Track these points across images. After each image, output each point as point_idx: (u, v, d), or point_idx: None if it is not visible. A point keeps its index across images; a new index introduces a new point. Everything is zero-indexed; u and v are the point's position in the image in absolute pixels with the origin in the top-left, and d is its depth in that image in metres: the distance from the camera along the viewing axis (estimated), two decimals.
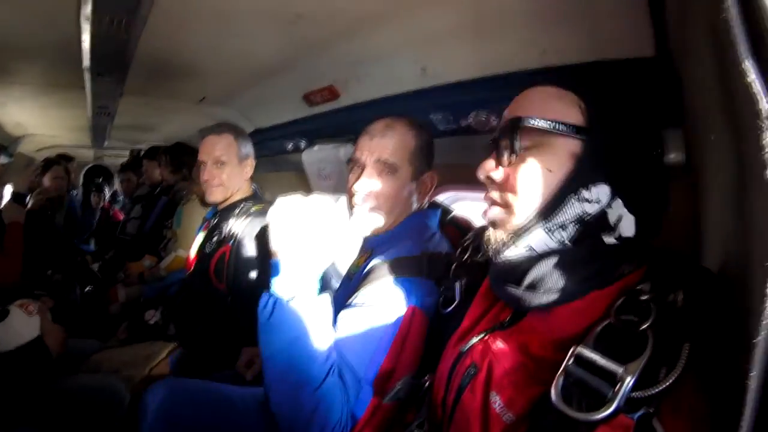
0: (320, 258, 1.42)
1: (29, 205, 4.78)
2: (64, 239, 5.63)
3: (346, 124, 2.79)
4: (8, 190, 6.08)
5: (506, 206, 1.11)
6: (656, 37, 1.33)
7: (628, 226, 1.04)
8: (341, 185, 1.87)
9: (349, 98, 2.75)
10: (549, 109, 1.09)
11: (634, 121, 1.11)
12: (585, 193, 1.03)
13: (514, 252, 1.09)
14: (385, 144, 1.78)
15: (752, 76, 0.66)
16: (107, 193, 8.40)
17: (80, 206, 7.60)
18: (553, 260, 1.03)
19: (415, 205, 1.88)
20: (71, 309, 3.63)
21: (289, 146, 3.66)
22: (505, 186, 1.12)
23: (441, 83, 2.13)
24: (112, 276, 4.34)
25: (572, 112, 1.08)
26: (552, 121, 1.06)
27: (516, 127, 1.09)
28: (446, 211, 2.04)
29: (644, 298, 0.93)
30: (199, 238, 2.99)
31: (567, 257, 1.03)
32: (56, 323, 2.09)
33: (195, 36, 2.41)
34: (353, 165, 1.86)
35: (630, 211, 1.04)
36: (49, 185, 5.36)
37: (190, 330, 2.69)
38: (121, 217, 7.02)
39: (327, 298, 1.45)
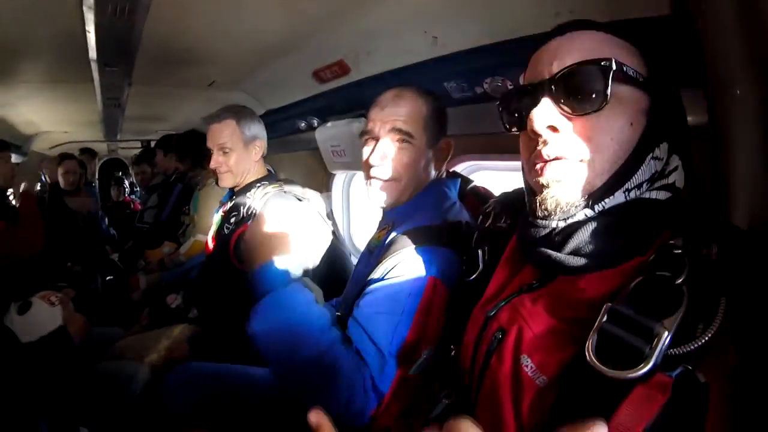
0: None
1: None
2: (83, 231, 5.67)
3: (357, 99, 2.78)
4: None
5: (581, 161, 1.01)
6: None
7: (680, 177, 1.02)
8: (355, 161, 1.87)
9: (359, 73, 2.73)
10: (624, 58, 1.00)
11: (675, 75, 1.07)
12: (657, 151, 0.99)
13: (585, 214, 1.01)
14: (397, 112, 1.77)
15: None
16: (127, 185, 8.49)
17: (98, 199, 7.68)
18: (599, 224, 0.99)
19: (433, 174, 1.87)
20: (93, 298, 3.66)
21: (302, 125, 3.66)
22: (579, 138, 1.00)
23: (453, 52, 2.09)
24: (132, 265, 4.39)
25: (640, 64, 1.02)
26: (636, 71, 0.99)
27: (607, 68, 0.96)
28: (466, 180, 2.02)
29: (677, 252, 0.90)
30: (216, 220, 3.00)
31: (613, 221, 0.99)
32: (78, 313, 2.11)
33: (199, 20, 2.40)
34: (367, 138, 1.84)
35: (683, 163, 1.03)
36: (61, 179, 5.43)
37: (211, 312, 2.70)
38: (140, 208, 7.12)
39: (299, 285, 1.72)
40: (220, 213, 2.99)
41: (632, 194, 0.99)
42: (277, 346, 1.58)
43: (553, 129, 1.02)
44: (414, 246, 1.60)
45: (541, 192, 1.05)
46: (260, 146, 2.83)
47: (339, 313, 2.08)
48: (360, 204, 3.91)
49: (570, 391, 0.93)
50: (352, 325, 1.61)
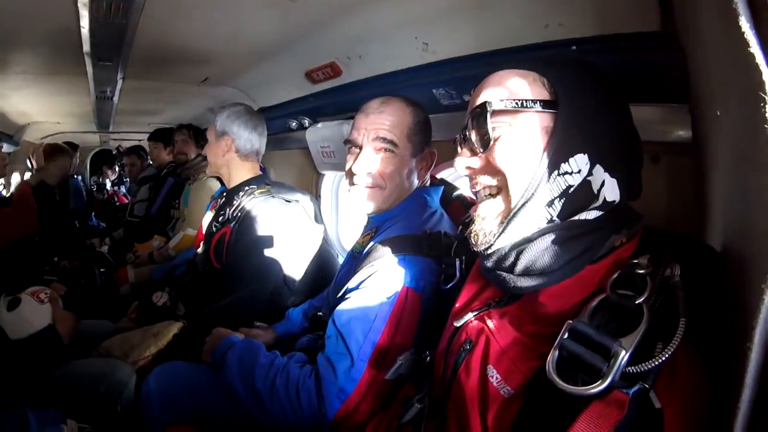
0: None
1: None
2: (70, 224, 5.67)
3: (348, 101, 2.79)
4: (15, 178, 6.15)
5: (499, 190, 1.11)
6: (662, 11, 1.31)
7: (610, 191, 1.05)
8: (344, 163, 1.87)
9: (351, 75, 2.74)
10: (514, 89, 1.09)
11: (607, 89, 1.12)
12: (565, 166, 1.03)
13: (506, 240, 1.08)
14: (382, 121, 1.79)
15: (755, 47, 0.66)
16: (108, 182, 8.54)
17: (84, 189, 7.71)
18: (543, 241, 1.03)
19: (416, 182, 1.89)
20: (84, 293, 3.64)
21: (293, 124, 3.66)
22: (490, 170, 1.11)
23: (443, 59, 2.10)
24: (121, 258, 4.37)
25: (536, 89, 1.09)
26: (516, 100, 1.07)
27: (483, 111, 1.08)
28: (452, 187, 2.03)
29: (640, 272, 0.94)
30: (208, 217, 3.02)
31: (557, 236, 1.02)
32: (68, 310, 2.11)
33: (193, 19, 2.41)
34: (350, 146, 1.87)
35: (611, 174, 1.05)
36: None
37: (196, 309, 2.70)
38: (125, 200, 7.12)
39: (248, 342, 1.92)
40: (211, 209, 3.01)
41: (545, 212, 1.05)
42: (240, 385, 1.77)
43: (471, 169, 1.15)
44: (389, 256, 1.65)
45: (472, 227, 1.15)
46: (228, 142, 2.81)
47: (321, 314, 2.12)
48: (348, 205, 3.92)
49: (532, 403, 0.98)
50: (330, 329, 1.69)
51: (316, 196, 3.88)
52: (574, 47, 1.54)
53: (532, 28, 1.65)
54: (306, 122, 3.53)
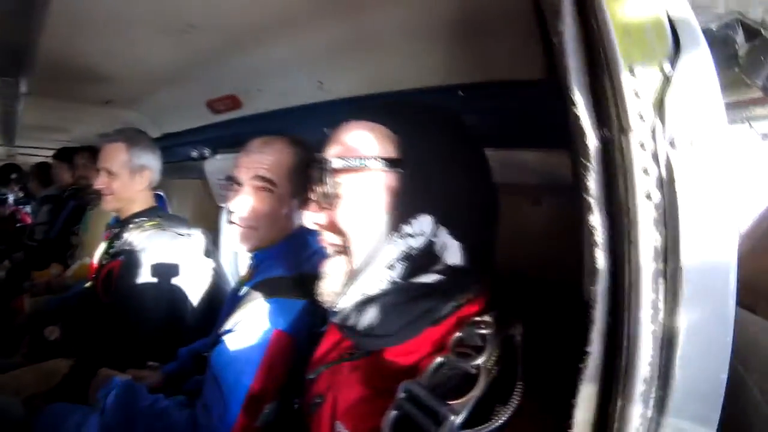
0: None
1: None
2: None
3: (248, 134, 2.75)
4: None
5: (344, 249, 1.08)
6: (547, 59, 1.32)
7: (453, 254, 1.02)
8: None
9: (251, 108, 2.74)
10: (358, 146, 1.06)
11: (463, 144, 1.10)
12: (407, 228, 1.00)
13: (349, 300, 1.06)
14: (261, 160, 1.79)
15: (581, 110, 0.65)
16: (11, 198, 8.30)
17: None
18: (382, 303, 1.02)
19: (297, 223, 1.88)
20: None
21: (194, 154, 3.59)
22: (335, 229, 1.08)
23: (336, 98, 2.13)
24: (18, 285, 4.15)
25: (383, 145, 1.05)
26: (360, 158, 1.03)
27: (324, 169, 1.05)
28: None
29: (482, 331, 0.93)
30: (101, 247, 2.90)
31: (395, 298, 1.01)
32: None
33: (94, 40, 2.35)
34: (232, 183, 1.85)
35: (455, 237, 1.02)
36: None
37: (87, 345, 2.60)
38: (29, 220, 6.91)
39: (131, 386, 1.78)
40: (104, 239, 2.90)
41: (386, 274, 1.02)
42: (120, 430, 1.66)
43: (317, 225, 1.12)
44: (263, 298, 1.64)
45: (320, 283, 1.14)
46: (147, 176, 2.72)
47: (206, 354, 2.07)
48: None
49: None
50: (207, 372, 1.66)
51: (216, 229, 3.80)
52: (461, 93, 1.55)
53: (423, 71, 1.67)
54: (206, 153, 3.48)
